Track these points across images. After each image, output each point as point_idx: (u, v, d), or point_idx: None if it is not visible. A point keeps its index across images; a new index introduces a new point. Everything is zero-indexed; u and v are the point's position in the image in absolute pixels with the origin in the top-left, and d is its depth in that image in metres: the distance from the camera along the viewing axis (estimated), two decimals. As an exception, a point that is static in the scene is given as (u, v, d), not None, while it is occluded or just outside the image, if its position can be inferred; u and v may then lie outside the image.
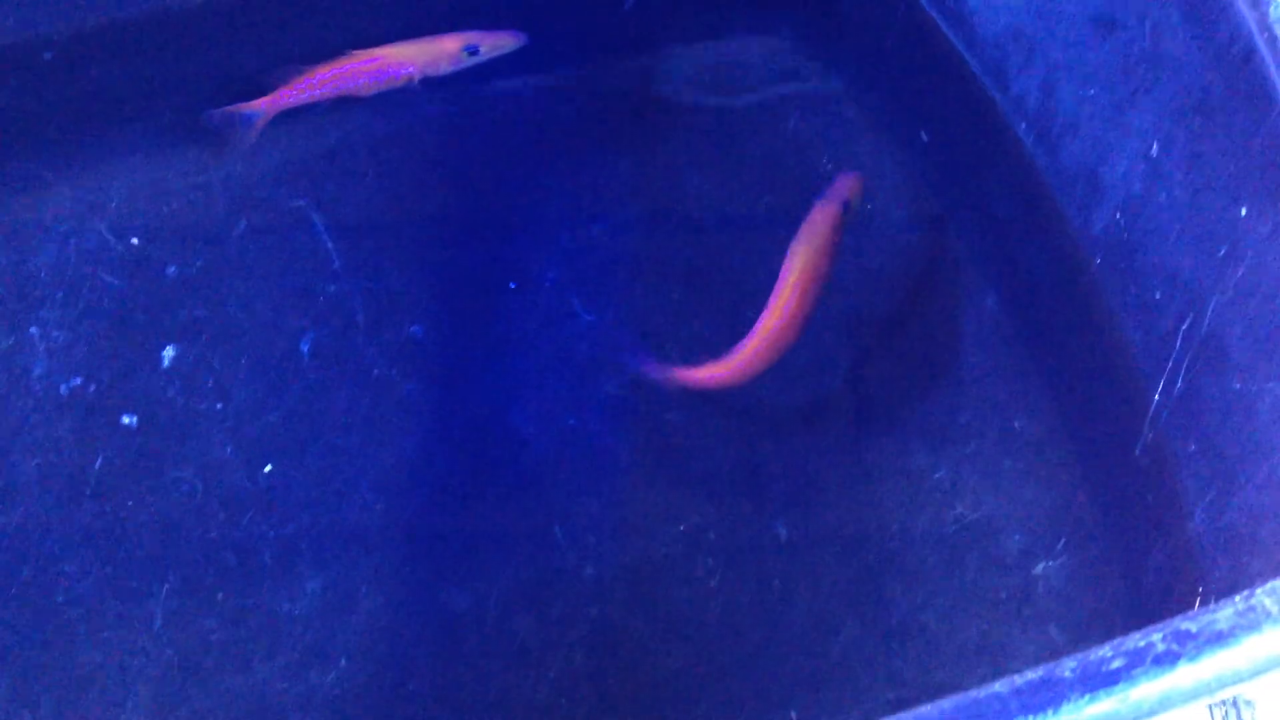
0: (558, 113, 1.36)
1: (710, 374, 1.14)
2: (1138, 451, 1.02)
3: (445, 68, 1.27)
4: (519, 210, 1.30)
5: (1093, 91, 1.03)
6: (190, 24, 1.32)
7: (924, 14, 1.26)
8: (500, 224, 1.30)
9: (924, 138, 1.29)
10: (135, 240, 1.27)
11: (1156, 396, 0.99)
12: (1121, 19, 0.98)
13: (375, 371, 1.21)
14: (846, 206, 1.17)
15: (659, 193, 1.31)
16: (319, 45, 1.36)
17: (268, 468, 1.16)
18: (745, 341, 1.13)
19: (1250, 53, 0.84)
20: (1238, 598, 0.60)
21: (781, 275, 1.14)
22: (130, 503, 1.15)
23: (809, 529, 1.14)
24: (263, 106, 1.24)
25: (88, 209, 1.29)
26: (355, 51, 1.25)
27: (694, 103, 1.35)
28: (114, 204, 1.29)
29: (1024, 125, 1.16)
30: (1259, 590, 0.59)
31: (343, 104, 1.36)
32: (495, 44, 1.27)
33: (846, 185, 1.19)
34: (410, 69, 1.26)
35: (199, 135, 1.32)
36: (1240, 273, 0.86)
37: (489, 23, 1.38)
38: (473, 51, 1.26)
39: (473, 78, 1.37)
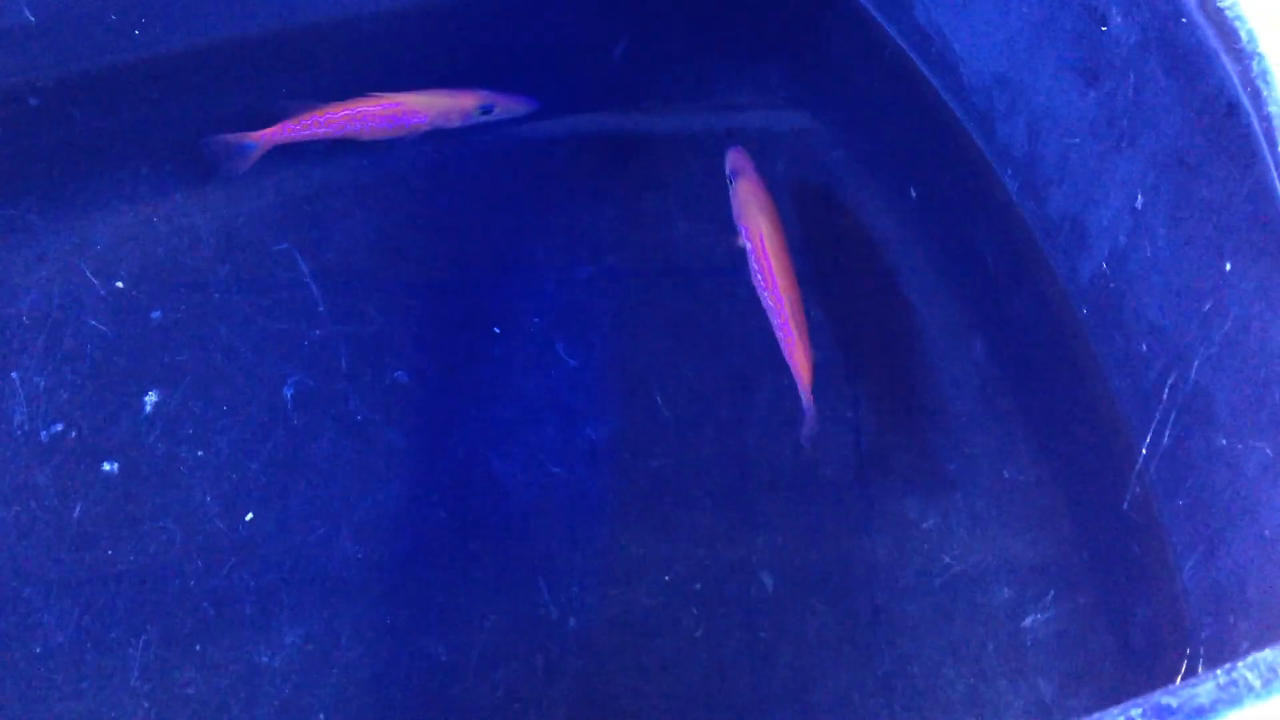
0: (546, 158, 1.36)
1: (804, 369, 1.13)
2: (1126, 505, 1.01)
3: (456, 121, 1.27)
4: (505, 256, 1.30)
5: (1077, 140, 1.03)
6: (177, 70, 1.32)
7: (909, 61, 1.26)
8: (486, 269, 1.29)
9: (912, 192, 1.29)
10: (120, 284, 1.26)
11: (1144, 450, 0.98)
12: (1104, 70, 0.98)
13: (359, 418, 1.20)
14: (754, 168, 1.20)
15: (647, 239, 1.31)
16: (305, 94, 1.36)
17: (249, 516, 1.15)
18: (792, 340, 1.13)
19: (1234, 107, 0.83)
20: (1219, 671, 0.59)
21: (757, 245, 1.16)
22: (110, 551, 1.14)
23: (796, 579, 1.13)
24: (262, 138, 1.24)
25: (72, 252, 1.28)
26: (373, 94, 1.25)
27: (682, 149, 1.35)
28: (99, 247, 1.28)
29: (1010, 172, 1.15)
30: (1240, 664, 0.58)
31: (331, 146, 1.36)
32: (509, 106, 1.28)
33: (739, 160, 1.22)
34: (422, 119, 1.25)
35: (185, 179, 1.32)
36: (1226, 328, 0.85)
37: (474, 72, 1.39)
38: (487, 110, 1.27)
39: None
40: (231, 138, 1.24)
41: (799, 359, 1.12)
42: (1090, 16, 0.97)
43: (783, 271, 1.14)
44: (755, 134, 1.36)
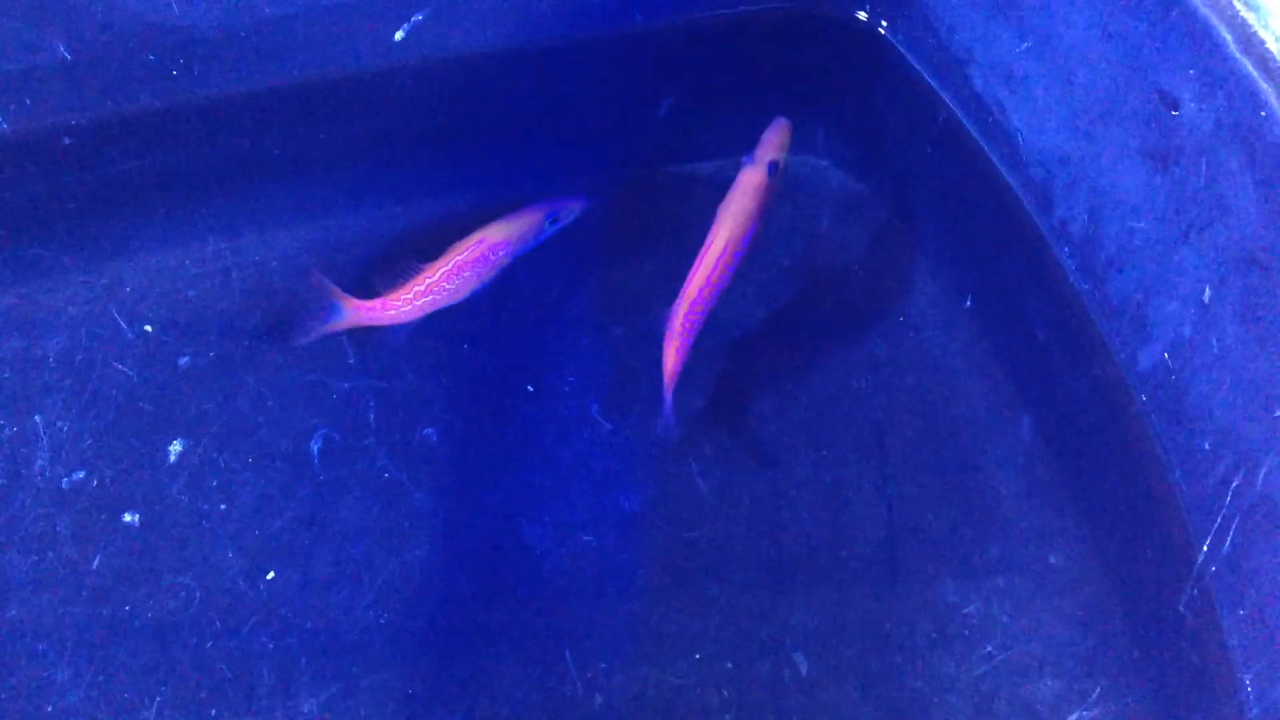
0: (583, 215, 1.33)
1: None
2: (1182, 606, 0.97)
3: (532, 240, 1.23)
4: (539, 310, 1.27)
5: (1142, 225, 0.99)
6: (214, 113, 1.30)
7: (963, 128, 1.23)
8: (519, 324, 1.26)
9: (958, 253, 1.25)
10: (148, 328, 1.24)
11: (1204, 551, 0.94)
12: (1174, 155, 0.94)
13: (386, 475, 1.17)
14: (774, 169, 1.14)
15: (685, 297, 1.27)
16: (344, 137, 1.34)
17: (270, 575, 1.12)
18: (673, 311, 1.12)
19: (1314, 207, 0.80)
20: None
21: (706, 243, 1.14)
22: (127, 607, 1.11)
23: (830, 663, 1.09)
24: (358, 311, 1.17)
25: (101, 294, 1.26)
26: (453, 245, 1.19)
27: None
28: (128, 290, 1.26)
29: (1067, 250, 1.12)
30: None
31: (363, 191, 1.34)
32: (569, 209, 1.24)
33: (774, 142, 1.17)
34: (505, 247, 1.21)
35: (217, 223, 1.30)
36: (1299, 435, 0.82)
37: (518, 125, 1.36)
38: (554, 219, 1.23)
39: (498, 176, 1.35)
40: (333, 291, 1.16)
41: (669, 356, 1.12)
42: (1161, 100, 0.93)
43: (702, 277, 1.12)
44: (801, 192, 1.33)
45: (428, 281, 1.18)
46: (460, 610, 1.11)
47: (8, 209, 1.29)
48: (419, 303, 1.19)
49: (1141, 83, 0.96)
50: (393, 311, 1.18)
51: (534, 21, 1.31)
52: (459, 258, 1.19)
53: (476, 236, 1.20)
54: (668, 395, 1.13)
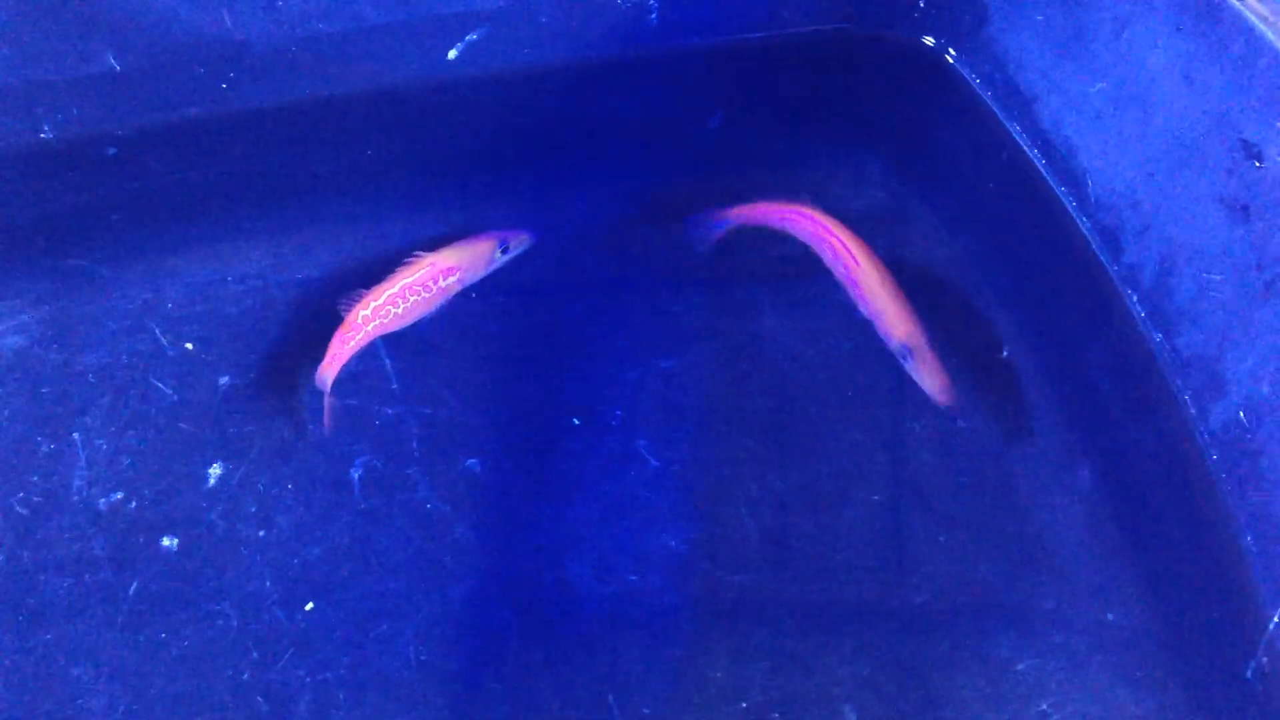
0: (630, 239, 1.30)
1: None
2: (1249, 674, 0.94)
3: (482, 269, 1.22)
4: (585, 341, 1.25)
5: (1218, 278, 0.96)
6: (261, 127, 1.28)
7: (1029, 165, 1.20)
8: (565, 355, 1.24)
9: (1020, 300, 1.21)
10: (189, 345, 1.22)
11: (1275, 619, 0.91)
12: (1256, 208, 0.91)
13: (428, 506, 1.15)
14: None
15: (735, 331, 1.25)
16: (392, 154, 1.32)
17: (308, 606, 1.10)
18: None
19: None
20: None
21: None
22: (163, 634, 1.09)
23: (879, 716, 1.06)
24: (326, 373, 1.17)
25: (143, 308, 1.24)
26: (402, 268, 1.18)
27: (775, 233, 1.29)
28: (170, 305, 1.24)
29: (1136, 297, 1.09)
30: None
31: (412, 213, 1.32)
32: (518, 241, 1.24)
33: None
34: (454, 272, 1.20)
35: (261, 238, 1.28)
36: (1388, 512, 0.78)
37: (565, 140, 1.34)
38: (504, 248, 1.22)
39: (547, 194, 1.32)
40: (318, 379, 1.17)
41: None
42: (1245, 150, 0.90)
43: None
44: (854, 225, 1.30)
45: (373, 305, 1.17)
46: (501, 649, 1.09)
47: (49, 219, 1.28)
48: (367, 327, 1.17)
49: (1223, 132, 0.93)
50: (346, 342, 1.17)
51: (588, 40, 1.29)
52: (405, 281, 1.18)
53: (426, 260, 1.19)
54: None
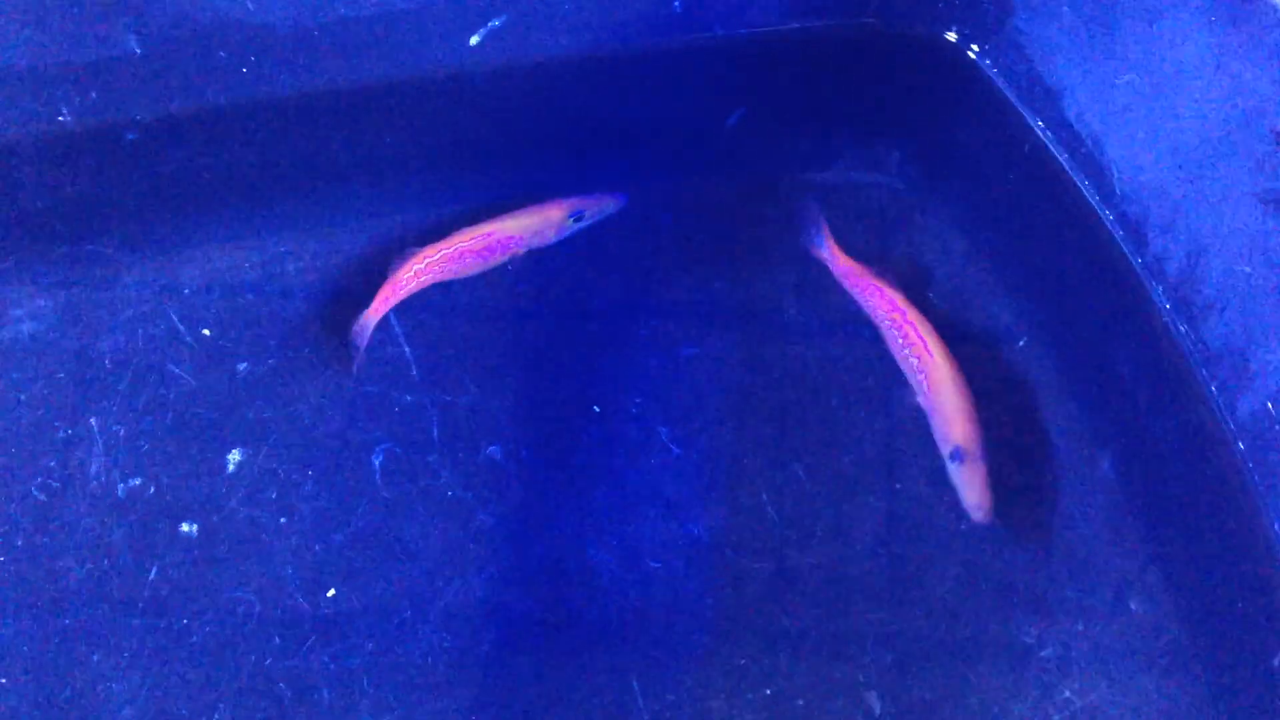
0: (652, 227, 1.30)
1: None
2: (1277, 663, 0.94)
3: (551, 237, 1.22)
4: (606, 328, 1.24)
5: (1248, 270, 0.96)
6: (282, 113, 1.27)
7: (1052, 157, 1.20)
8: (586, 343, 1.23)
9: (1040, 285, 1.22)
10: (207, 331, 1.21)
11: (1305, 608, 0.91)
12: (1291, 199, 0.91)
13: (450, 494, 1.14)
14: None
15: (755, 319, 1.25)
16: (412, 141, 1.31)
17: (331, 592, 1.10)
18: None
19: None
20: None
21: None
22: (185, 620, 1.08)
23: (903, 703, 1.06)
24: (374, 314, 1.17)
25: (160, 294, 1.23)
26: (462, 230, 1.20)
27: (796, 226, 1.29)
28: (187, 291, 1.23)
29: (1161, 289, 1.09)
30: None
31: (428, 200, 1.31)
32: (599, 207, 1.23)
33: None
34: (518, 242, 1.20)
35: (279, 224, 1.28)
36: None
37: (584, 133, 1.34)
38: (578, 217, 1.21)
39: (567, 183, 1.32)
40: (357, 326, 1.17)
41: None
42: (1277, 142, 0.91)
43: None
44: (873, 217, 1.30)
45: (427, 260, 1.17)
46: (525, 636, 1.09)
47: (66, 203, 1.26)
48: (422, 280, 1.18)
49: (1255, 124, 0.93)
50: (396, 296, 1.18)
51: (612, 30, 1.28)
52: (463, 244, 1.18)
53: (487, 227, 1.19)
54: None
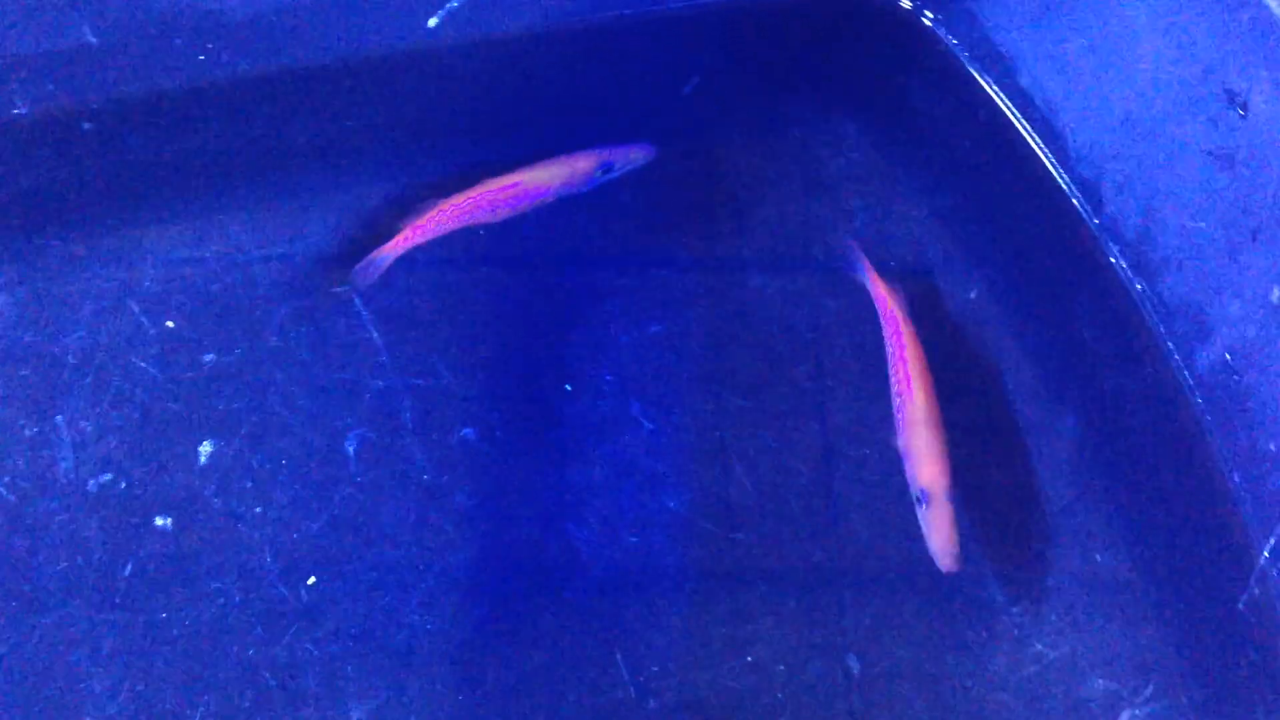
0: (615, 202, 1.30)
1: None
2: (1241, 605, 0.97)
3: (579, 187, 1.22)
4: (575, 305, 1.25)
5: (1203, 225, 0.99)
6: (241, 98, 1.26)
7: (1008, 123, 1.22)
8: (554, 322, 1.24)
9: (999, 249, 1.24)
10: (171, 323, 1.20)
11: (1265, 555, 0.94)
12: (1241, 157, 0.94)
13: (425, 477, 1.15)
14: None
15: (720, 292, 1.26)
16: (372, 124, 1.31)
17: (311, 580, 1.10)
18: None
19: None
20: None
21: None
22: (164, 614, 1.08)
23: (882, 664, 1.08)
24: (395, 250, 1.18)
25: (121, 288, 1.22)
26: (489, 180, 1.20)
27: (756, 196, 1.30)
28: (149, 283, 1.22)
29: (1118, 249, 1.12)
30: None
31: (391, 183, 1.30)
32: (628, 159, 1.23)
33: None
34: (546, 192, 1.20)
35: (241, 213, 1.26)
36: (1378, 443, 0.82)
37: (546, 108, 1.33)
38: (608, 169, 1.22)
39: (529, 161, 1.31)
40: (369, 258, 1.18)
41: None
42: (1229, 100, 0.93)
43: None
44: (833, 187, 1.32)
45: (453, 209, 1.18)
46: (507, 614, 1.10)
47: (22, 196, 1.25)
48: (443, 226, 1.19)
49: (1207, 82, 0.95)
50: (417, 236, 1.18)
51: (569, 5, 1.28)
52: (490, 194, 1.19)
53: (513, 178, 1.19)
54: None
